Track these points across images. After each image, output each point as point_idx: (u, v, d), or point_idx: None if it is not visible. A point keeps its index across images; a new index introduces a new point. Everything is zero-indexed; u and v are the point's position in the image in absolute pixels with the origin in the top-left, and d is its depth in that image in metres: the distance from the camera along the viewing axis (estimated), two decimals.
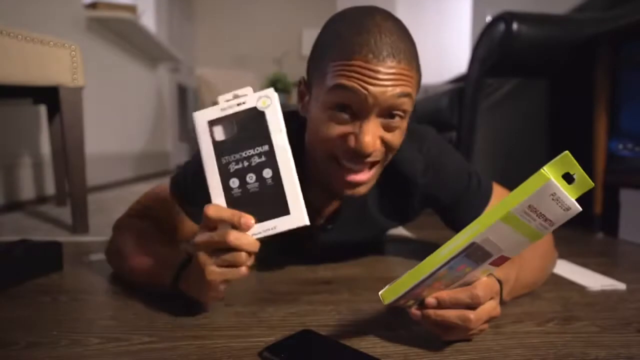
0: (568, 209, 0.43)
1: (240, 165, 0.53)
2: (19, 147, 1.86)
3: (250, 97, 0.54)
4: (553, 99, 1.47)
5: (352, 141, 0.60)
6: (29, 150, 1.92)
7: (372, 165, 0.65)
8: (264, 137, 0.53)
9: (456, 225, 0.80)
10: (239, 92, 0.54)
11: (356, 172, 0.64)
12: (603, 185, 1.32)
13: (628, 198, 1.27)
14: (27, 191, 1.89)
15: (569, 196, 0.42)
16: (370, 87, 0.57)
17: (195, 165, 0.75)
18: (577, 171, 0.41)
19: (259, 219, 0.52)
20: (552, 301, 0.71)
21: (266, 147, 0.53)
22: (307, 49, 5.02)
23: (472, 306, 0.49)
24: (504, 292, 0.58)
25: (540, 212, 0.42)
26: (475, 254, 0.46)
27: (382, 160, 0.66)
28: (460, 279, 0.50)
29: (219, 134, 0.53)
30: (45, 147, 1.99)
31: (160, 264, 0.65)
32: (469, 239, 0.45)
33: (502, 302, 0.61)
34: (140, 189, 2.31)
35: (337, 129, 0.61)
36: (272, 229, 0.52)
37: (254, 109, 0.53)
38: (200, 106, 4.34)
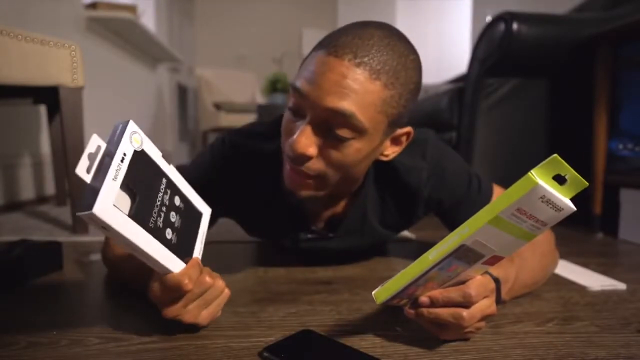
0: (561, 209, 0.42)
1: (163, 214, 0.49)
2: (19, 147, 1.86)
3: (123, 145, 0.45)
4: (553, 99, 1.47)
5: (290, 138, 0.60)
6: (29, 150, 1.91)
7: (312, 177, 0.62)
8: (157, 172, 0.50)
9: (456, 227, 0.80)
10: (89, 149, 0.44)
11: (295, 172, 0.62)
12: (603, 185, 1.32)
13: (628, 198, 1.27)
14: (27, 191, 1.89)
15: (562, 197, 0.41)
16: (313, 91, 0.56)
17: (191, 172, 0.75)
18: (569, 172, 0.40)
19: (194, 240, 0.55)
20: (552, 301, 0.71)
21: (165, 180, 0.51)
22: (307, 49, 5.02)
23: (465, 305, 0.49)
24: (503, 291, 0.58)
25: (531, 214, 0.42)
26: (466, 256, 0.46)
27: (326, 175, 0.62)
28: (453, 278, 0.50)
29: (127, 205, 0.44)
30: (45, 147, 1.99)
31: (146, 270, 0.64)
32: (458, 241, 0.44)
33: (501, 302, 0.61)
34: None
35: (288, 124, 0.62)
36: (202, 237, 0.56)
37: (135, 154, 0.46)
38: (200, 106, 4.35)
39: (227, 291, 0.55)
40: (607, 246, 1.20)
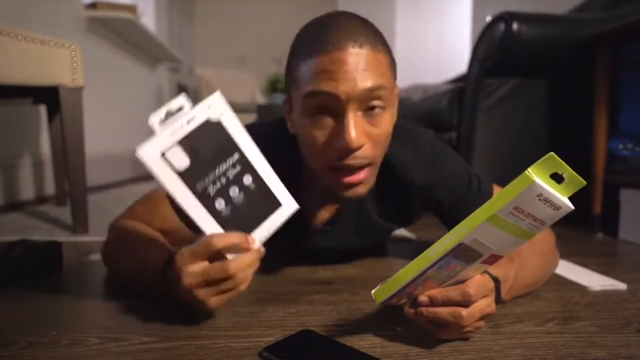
0: (559, 208, 0.42)
1: (219, 185, 0.49)
2: (19, 147, 1.86)
3: (197, 110, 0.48)
4: (553, 99, 1.47)
5: (338, 141, 0.59)
6: (29, 150, 1.92)
7: (364, 167, 0.63)
8: (230, 145, 0.50)
9: None
10: (172, 105, 0.48)
11: (353, 172, 0.62)
12: (603, 185, 1.32)
13: (628, 198, 1.27)
14: (27, 191, 1.90)
15: (559, 196, 0.41)
16: (340, 86, 0.57)
17: None
18: (566, 170, 0.41)
19: (256, 224, 0.53)
20: (552, 301, 0.71)
21: (237, 156, 0.51)
22: None
23: (464, 304, 0.49)
24: (503, 290, 0.58)
25: (528, 213, 0.42)
26: (464, 254, 0.46)
27: (375, 157, 0.64)
28: (452, 277, 0.50)
29: (179, 162, 0.47)
30: (45, 147, 1.99)
31: (148, 268, 0.63)
32: (456, 240, 0.44)
33: (501, 301, 0.61)
34: (141, 189, 2.31)
35: (322, 135, 0.61)
36: (271, 227, 0.53)
37: (207, 122, 0.49)
38: None
39: (243, 287, 0.53)
40: (607, 246, 1.20)
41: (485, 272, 0.53)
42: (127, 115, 3.08)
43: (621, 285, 0.79)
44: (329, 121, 0.60)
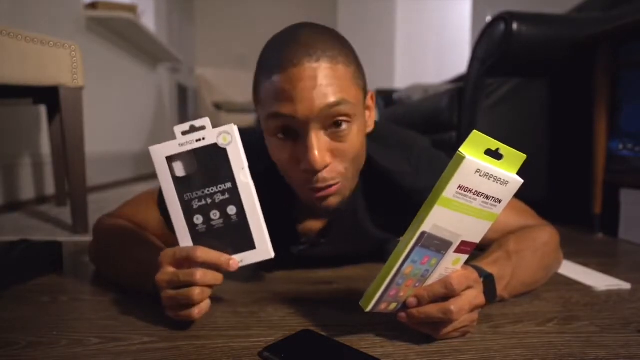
0: (505, 182, 0.44)
1: (203, 202, 0.53)
2: (19, 147, 1.86)
3: (209, 133, 0.52)
4: (553, 99, 1.47)
5: (303, 163, 0.59)
6: (29, 150, 1.92)
7: (335, 182, 0.62)
8: (227, 174, 0.52)
9: None
10: (196, 122, 0.52)
11: (323, 189, 0.62)
12: (603, 185, 1.32)
13: (628, 198, 1.27)
14: (27, 191, 1.90)
15: (501, 170, 0.43)
16: (298, 106, 0.56)
17: None
18: (500, 146, 0.42)
19: (228, 252, 0.54)
20: (552, 301, 0.71)
21: (229, 185, 0.52)
22: None
23: (449, 295, 0.50)
24: (499, 287, 0.59)
25: (476, 191, 0.43)
26: (433, 244, 0.46)
27: (345, 172, 0.63)
28: (431, 272, 0.50)
29: (179, 169, 0.52)
30: (45, 147, 1.99)
31: (142, 271, 0.63)
32: (417, 229, 0.45)
33: (500, 299, 0.62)
34: (140, 189, 2.31)
35: (286, 153, 0.61)
36: (239, 262, 0.54)
37: (214, 145, 0.52)
38: (201, 106, 4.35)
39: (196, 312, 0.52)
40: (607, 246, 1.20)
41: (476, 267, 0.55)
42: (127, 115, 3.07)
43: (625, 285, 0.79)
44: (292, 141, 0.60)
